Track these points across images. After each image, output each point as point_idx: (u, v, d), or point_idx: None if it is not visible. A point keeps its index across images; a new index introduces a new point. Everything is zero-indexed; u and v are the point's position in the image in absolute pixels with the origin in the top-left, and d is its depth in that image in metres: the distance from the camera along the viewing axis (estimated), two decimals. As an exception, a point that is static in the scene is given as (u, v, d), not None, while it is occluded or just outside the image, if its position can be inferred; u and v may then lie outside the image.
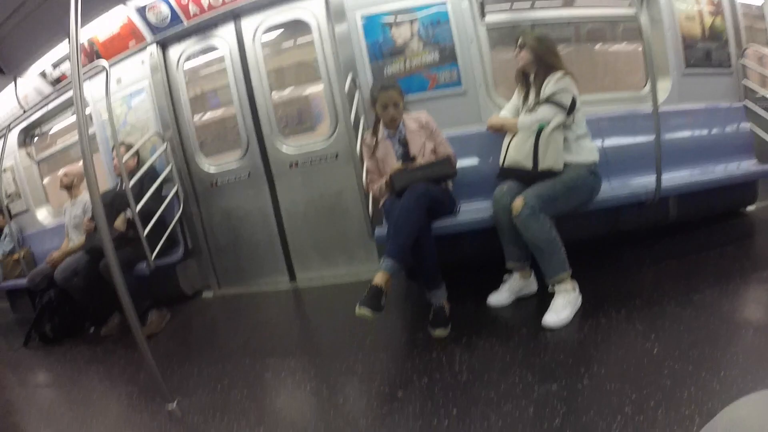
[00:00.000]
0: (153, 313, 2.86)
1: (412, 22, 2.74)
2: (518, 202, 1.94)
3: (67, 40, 1.64)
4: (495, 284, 2.21)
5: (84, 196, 3.43)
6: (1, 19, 3.14)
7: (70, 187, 3.43)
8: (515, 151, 2.12)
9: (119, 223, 2.91)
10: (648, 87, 2.93)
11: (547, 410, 1.33)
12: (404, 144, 2.35)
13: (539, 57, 2.13)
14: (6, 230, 4.15)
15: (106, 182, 3.51)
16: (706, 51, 3.02)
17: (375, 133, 2.42)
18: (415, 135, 2.35)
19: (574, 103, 2.07)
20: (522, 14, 2.95)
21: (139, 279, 2.86)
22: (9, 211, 4.23)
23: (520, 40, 2.18)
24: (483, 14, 2.83)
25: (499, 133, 2.30)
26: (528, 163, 2.06)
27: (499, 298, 2.16)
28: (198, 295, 3.43)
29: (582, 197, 2.11)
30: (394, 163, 2.31)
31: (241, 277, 3.37)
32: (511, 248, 2.11)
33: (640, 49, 3.00)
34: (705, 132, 2.82)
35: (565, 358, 1.59)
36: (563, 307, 1.88)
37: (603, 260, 2.23)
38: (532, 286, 2.19)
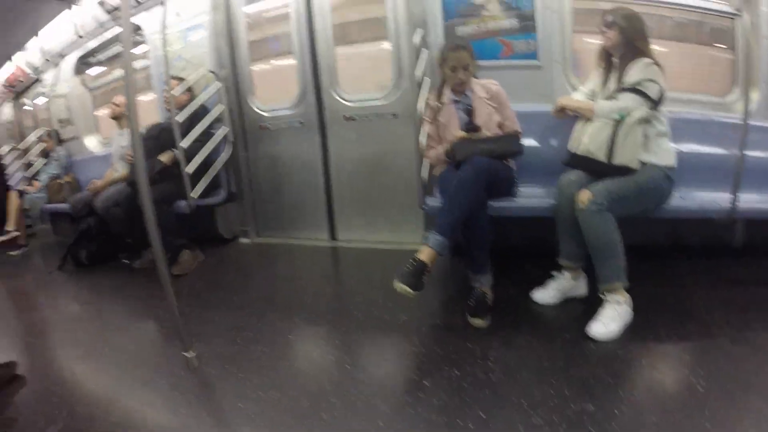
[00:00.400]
0: (186, 252, 2.86)
1: (495, -18, 2.51)
2: (585, 195, 1.77)
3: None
4: (542, 278, 2.06)
5: None
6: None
7: (119, 118, 3.43)
8: (589, 139, 1.93)
9: (166, 157, 2.89)
10: (734, 95, 2.64)
11: (580, 433, 1.21)
12: (469, 111, 2.18)
13: (628, 38, 1.92)
14: (53, 154, 4.26)
15: (157, 117, 3.47)
16: None
17: (440, 96, 2.25)
18: (482, 104, 2.17)
19: (661, 96, 1.86)
20: None
21: (178, 216, 2.86)
22: (59, 136, 4.33)
23: (608, 17, 1.96)
24: (570, -18, 2.56)
25: (566, 118, 2.09)
26: (601, 155, 1.87)
27: (545, 295, 2.02)
28: (235, 239, 3.42)
29: (653, 202, 1.92)
30: (456, 131, 2.14)
31: (281, 226, 3.32)
32: (568, 244, 1.96)
33: (727, 54, 2.66)
34: None
35: (606, 376, 1.45)
36: (612, 319, 1.72)
37: (658, 272, 2.07)
38: (581, 288, 2.03)
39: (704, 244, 2.43)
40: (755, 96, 2.54)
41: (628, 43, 1.92)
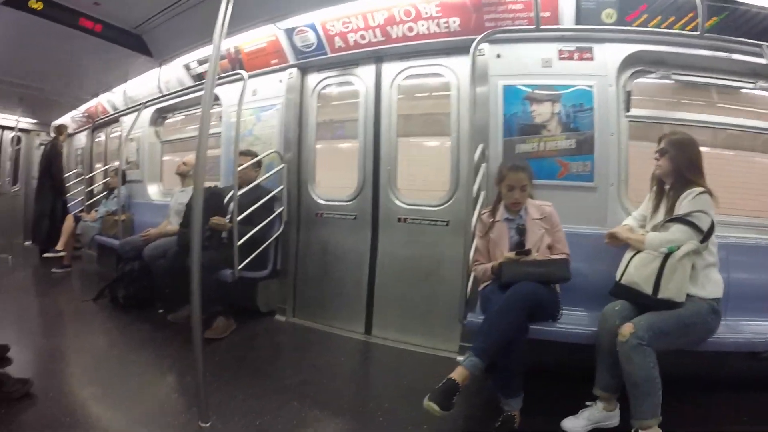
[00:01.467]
0: (221, 318, 2.91)
1: (554, 101, 2.61)
2: (627, 329, 1.74)
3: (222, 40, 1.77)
4: (573, 404, 1.99)
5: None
6: (160, 8, 3.49)
7: (184, 176, 3.65)
8: (636, 270, 1.92)
9: (219, 221, 2.98)
10: None
11: None
12: (521, 232, 2.22)
13: (679, 168, 1.95)
14: (116, 191, 4.55)
15: (219, 181, 3.69)
16: None
17: (494, 211, 2.31)
18: (535, 225, 2.22)
19: (711, 227, 1.86)
20: (668, 112, 2.71)
21: (219, 284, 2.92)
22: (124, 176, 4.64)
23: (661, 144, 2.01)
24: (628, 107, 2.62)
25: (618, 246, 2.09)
26: (647, 288, 1.86)
27: (576, 424, 1.93)
28: (271, 314, 3.44)
29: (697, 337, 1.87)
30: (505, 249, 2.18)
31: (319, 312, 3.33)
32: (605, 375, 1.92)
33: None
34: None
35: None
36: None
37: (695, 406, 1.97)
38: (614, 419, 1.95)
39: (749, 377, 2.27)
40: None
41: (679, 172, 1.95)
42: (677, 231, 1.86)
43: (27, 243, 6.14)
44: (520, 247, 2.17)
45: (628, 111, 2.63)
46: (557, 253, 2.21)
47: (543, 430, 1.92)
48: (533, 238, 2.18)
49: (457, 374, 1.72)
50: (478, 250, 2.30)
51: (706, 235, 1.85)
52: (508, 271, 2.04)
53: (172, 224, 3.63)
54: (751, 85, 2.66)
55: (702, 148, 2.07)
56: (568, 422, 1.95)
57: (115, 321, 3.16)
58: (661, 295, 1.82)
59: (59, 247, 4.67)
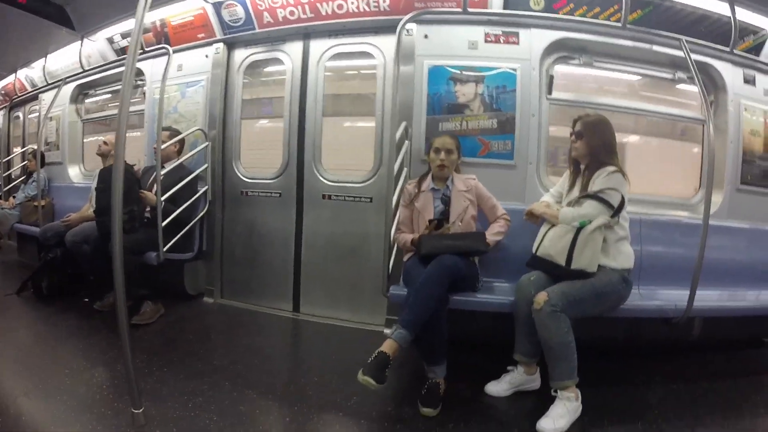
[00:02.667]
0: (148, 303, 2.83)
1: (477, 82, 2.69)
2: (541, 297, 1.86)
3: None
4: (496, 369, 2.11)
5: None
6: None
7: (106, 156, 3.45)
8: (550, 243, 2.03)
9: (146, 194, 2.90)
10: (698, 196, 2.86)
11: None
12: (446, 203, 2.31)
13: (593, 149, 2.06)
14: (34, 175, 4.22)
15: (142, 160, 3.53)
16: (765, 170, 2.92)
17: (420, 182, 2.38)
18: (460, 196, 2.30)
19: (622, 203, 1.98)
20: (588, 96, 2.87)
21: (145, 267, 2.83)
22: (43, 158, 4.32)
23: (576, 126, 2.11)
24: (550, 90, 2.76)
25: (537, 222, 2.20)
26: (561, 259, 1.97)
27: (498, 388, 2.06)
28: (199, 297, 3.38)
29: (609, 304, 2.01)
30: (429, 218, 2.26)
31: (246, 291, 3.30)
32: (523, 341, 2.04)
33: (695, 150, 2.93)
34: (745, 254, 2.69)
35: None
36: (561, 415, 1.79)
37: (611, 369, 2.15)
38: (535, 382, 2.09)
39: (661, 341, 2.51)
40: (719, 198, 2.76)
41: (594, 153, 2.05)
42: (589, 206, 1.97)
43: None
44: (443, 216, 2.26)
45: (550, 94, 2.75)
46: (497, 218, 2.33)
47: (468, 396, 2.01)
48: (457, 208, 2.26)
49: (387, 347, 1.78)
50: (401, 221, 2.37)
51: (616, 211, 1.97)
52: (426, 245, 2.11)
53: (94, 207, 3.43)
54: (669, 76, 2.86)
55: (623, 134, 2.22)
56: (491, 386, 2.07)
57: (40, 313, 2.98)
58: (573, 265, 1.93)
59: (-22, 238, 4.32)
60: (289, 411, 1.87)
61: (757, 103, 2.90)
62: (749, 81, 2.89)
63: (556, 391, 1.85)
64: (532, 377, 2.07)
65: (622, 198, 1.98)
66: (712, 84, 2.84)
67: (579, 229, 1.94)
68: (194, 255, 3.23)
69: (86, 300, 3.09)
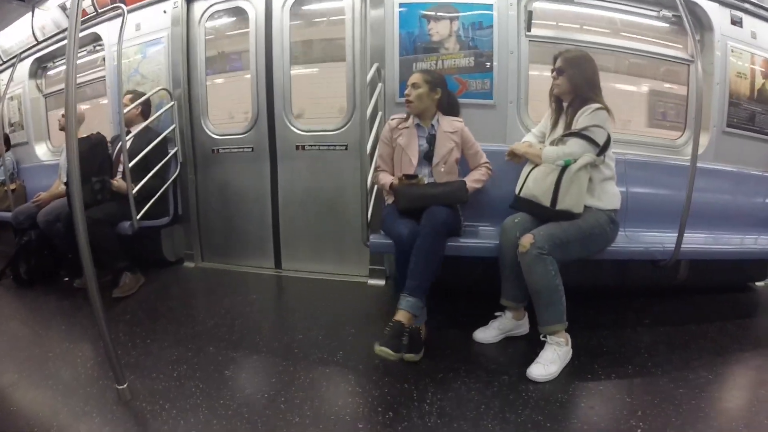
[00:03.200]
0: (127, 275, 2.73)
1: (452, 20, 2.56)
2: (527, 239, 1.79)
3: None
4: (483, 316, 2.07)
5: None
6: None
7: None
8: (534, 184, 1.95)
9: (120, 184, 2.79)
10: (684, 137, 2.80)
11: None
12: (431, 142, 2.21)
13: (576, 86, 1.96)
14: (0, 160, 4.05)
15: (108, 129, 3.37)
16: (751, 113, 2.86)
17: (405, 119, 2.26)
18: (445, 137, 2.21)
19: (608, 141, 1.90)
20: (569, 33, 2.75)
21: (120, 237, 2.74)
22: (8, 140, 4.13)
23: (557, 63, 2.00)
24: (528, 26, 2.63)
25: (519, 162, 2.13)
26: (546, 200, 1.89)
27: (487, 335, 2.02)
28: (179, 263, 3.32)
29: (596, 246, 1.95)
30: (414, 157, 2.17)
31: (226, 252, 3.25)
32: (510, 286, 1.99)
33: (682, 92, 2.84)
34: (730, 197, 2.66)
35: (544, 420, 1.46)
36: (552, 360, 1.75)
37: (600, 313, 2.12)
38: (523, 327, 2.06)
39: (648, 284, 2.50)
40: (705, 140, 2.70)
41: (577, 90, 1.96)
42: (574, 144, 1.89)
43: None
44: (428, 156, 2.18)
45: (528, 31, 2.62)
46: (478, 165, 2.27)
47: (456, 344, 1.98)
48: (442, 150, 2.18)
49: (400, 316, 1.77)
50: (382, 158, 2.29)
51: (602, 149, 1.88)
52: (404, 198, 2.03)
53: (64, 184, 3.30)
54: (654, 14, 2.75)
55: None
56: (479, 333, 2.03)
57: (21, 299, 2.88)
58: (559, 206, 1.86)
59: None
60: (275, 370, 1.83)
61: (743, 45, 2.81)
62: (736, 22, 2.79)
63: (545, 337, 1.80)
64: (520, 322, 2.04)
65: (608, 136, 1.89)
66: (699, 24, 2.72)
67: (563, 169, 1.86)
68: (170, 220, 3.13)
69: (66, 279, 3.01)
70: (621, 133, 2.61)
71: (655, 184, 2.51)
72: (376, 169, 2.28)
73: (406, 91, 2.20)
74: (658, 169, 2.57)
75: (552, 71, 2.03)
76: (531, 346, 1.89)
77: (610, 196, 1.96)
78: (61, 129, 3.30)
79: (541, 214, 1.92)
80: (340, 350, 1.95)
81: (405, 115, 2.27)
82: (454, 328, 2.06)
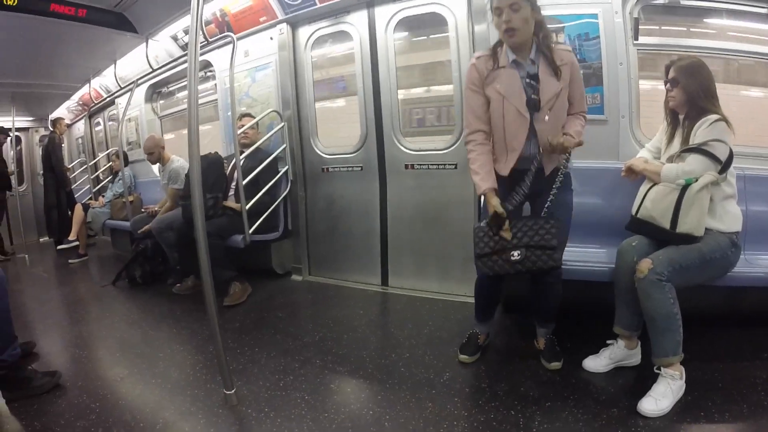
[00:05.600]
0: (236, 284, 2.92)
1: (557, 32, 2.47)
2: (645, 264, 1.67)
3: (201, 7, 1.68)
4: (594, 343, 1.97)
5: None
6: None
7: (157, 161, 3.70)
8: (652, 204, 1.83)
9: (234, 206, 3.02)
10: None
11: None
12: (534, 85, 1.69)
13: (692, 97, 1.81)
14: (120, 174, 4.54)
15: (220, 150, 3.62)
16: None
17: (494, 55, 1.74)
18: (549, 77, 1.69)
19: (730, 157, 1.75)
20: (678, 40, 2.56)
21: (230, 249, 2.93)
22: (126, 157, 4.62)
23: (670, 73, 1.86)
24: (636, 35, 2.48)
25: (636, 179, 2.00)
26: (665, 222, 1.77)
27: (597, 364, 1.91)
28: (287, 275, 3.47)
29: (717, 272, 1.79)
30: (522, 106, 1.68)
31: (334, 267, 3.34)
32: (625, 312, 1.87)
33: None
34: None
35: None
36: (664, 395, 1.62)
37: (714, 343, 1.92)
38: (635, 357, 1.91)
39: (765, 312, 2.20)
40: None
41: (693, 101, 1.82)
42: (694, 161, 1.75)
43: (42, 239, 6.22)
44: (532, 104, 1.68)
45: (636, 39, 2.48)
46: (575, 113, 1.80)
47: (565, 371, 1.90)
48: (548, 91, 1.68)
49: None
50: (474, 113, 1.77)
51: (724, 165, 1.75)
52: (488, 265, 1.76)
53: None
54: (764, 11, 2.46)
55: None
56: (589, 362, 1.92)
57: (134, 301, 3.19)
58: (679, 229, 1.74)
59: (72, 237, 4.72)
60: (381, 387, 1.85)
61: None
62: None
63: (659, 368, 1.67)
64: (632, 352, 1.90)
65: (730, 150, 1.74)
66: None
67: (684, 188, 1.72)
68: (280, 235, 3.29)
69: (170, 285, 3.26)
70: (738, 145, 2.36)
71: None
72: (468, 137, 1.81)
73: (504, 17, 1.62)
74: None
75: (665, 83, 1.90)
76: (642, 377, 1.77)
77: (732, 217, 1.80)
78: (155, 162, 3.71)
79: (659, 236, 1.80)
80: (447, 371, 1.93)
81: (489, 51, 1.76)
82: (564, 354, 1.97)
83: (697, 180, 1.72)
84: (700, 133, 1.77)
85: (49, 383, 1.91)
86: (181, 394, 1.84)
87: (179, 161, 3.66)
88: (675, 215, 1.75)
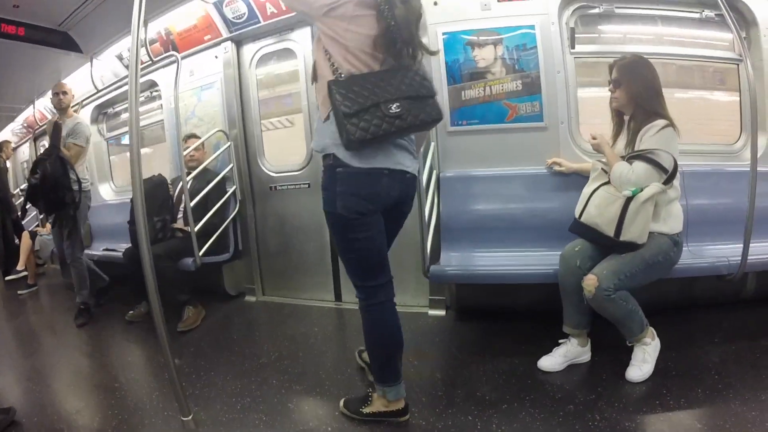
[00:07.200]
0: (189, 309, 2.84)
1: (496, 44, 2.56)
2: (591, 283, 1.73)
3: (142, 27, 1.64)
4: (546, 343, 2.02)
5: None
6: (81, 0, 3.24)
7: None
8: (597, 210, 1.86)
9: (180, 225, 3.00)
10: (741, 141, 2.63)
11: None
12: None
13: (637, 96, 1.85)
14: (68, 198, 4.34)
15: (167, 171, 3.57)
16: None
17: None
18: None
19: (675, 167, 1.79)
20: (614, 47, 2.67)
21: (182, 272, 2.86)
22: (72, 183, 4.41)
23: (613, 73, 1.90)
24: (573, 44, 2.59)
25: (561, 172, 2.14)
26: (609, 230, 1.81)
27: (553, 363, 1.95)
28: (240, 296, 3.42)
29: (662, 272, 1.88)
30: None
31: (287, 285, 3.30)
32: (572, 313, 1.93)
33: (734, 98, 2.68)
34: None
35: None
36: (644, 360, 1.80)
37: (667, 331, 1.98)
38: (587, 354, 1.98)
39: (715, 297, 2.37)
40: (764, 141, 2.53)
41: (638, 101, 1.85)
42: (640, 170, 1.78)
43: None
44: None
45: (573, 48, 2.58)
46: None
47: (518, 372, 1.93)
48: None
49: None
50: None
51: (669, 176, 1.78)
52: None
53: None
54: (696, 15, 2.62)
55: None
56: (544, 361, 1.96)
57: (87, 330, 3.04)
58: (623, 237, 1.79)
59: (20, 267, 4.47)
60: (338, 403, 1.82)
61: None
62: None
63: (632, 345, 1.82)
64: (584, 349, 1.96)
65: (675, 162, 1.78)
66: (743, 20, 2.57)
67: (629, 198, 1.77)
68: (231, 255, 3.24)
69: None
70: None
71: (716, 194, 2.39)
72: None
73: None
74: (718, 178, 2.45)
75: (609, 83, 1.94)
76: (595, 371, 1.86)
77: (674, 219, 1.87)
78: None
79: (602, 242, 1.85)
80: (404, 382, 1.90)
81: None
82: (517, 355, 2.02)
83: (643, 190, 1.76)
84: (647, 139, 1.81)
85: (4, 420, 1.82)
86: (139, 424, 1.79)
87: (86, 121, 3.43)
88: (619, 224, 1.78)
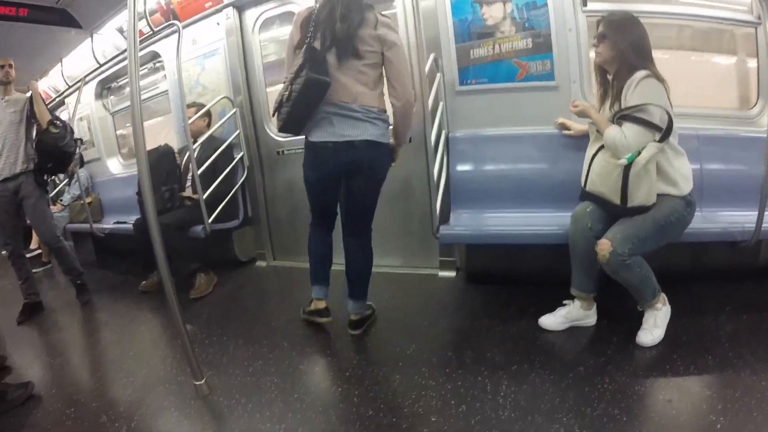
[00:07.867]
0: (201, 276, 2.87)
1: (505, 2, 2.47)
2: (605, 248, 1.68)
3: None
4: (554, 306, 2.00)
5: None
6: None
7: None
8: (599, 179, 1.79)
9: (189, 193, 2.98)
10: (758, 107, 2.51)
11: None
12: None
13: (621, 52, 1.73)
14: (76, 176, 4.37)
15: (174, 142, 3.55)
16: None
17: None
18: None
19: (670, 121, 1.67)
20: (628, 5, 2.56)
21: (192, 241, 2.88)
22: (82, 158, 4.43)
23: (599, 28, 1.79)
24: (585, 1, 2.49)
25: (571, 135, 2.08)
26: (615, 198, 1.74)
27: (553, 321, 1.95)
28: (251, 262, 3.44)
29: (675, 234, 1.81)
30: None
31: (297, 250, 3.26)
32: (580, 275, 1.90)
33: (751, 64, 2.56)
34: None
35: (621, 414, 1.38)
36: (655, 325, 1.77)
37: (678, 299, 1.95)
38: (591, 318, 1.95)
39: (726, 266, 2.29)
40: None
41: (622, 57, 1.73)
42: (631, 134, 1.66)
43: (3, 252, 5.97)
44: None
45: (585, 5, 2.48)
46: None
47: (527, 336, 1.92)
48: None
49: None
50: None
51: (665, 133, 1.68)
52: None
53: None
54: None
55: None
56: (545, 319, 1.96)
57: (101, 303, 3.10)
58: (630, 203, 1.72)
59: (33, 245, 4.54)
60: (348, 364, 1.87)
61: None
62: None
63: (643, 310, 1.80)
64: (588, 312, 1.93)
65: (668, 114, 1.67)
66: None
67: (628, 165, 1.68)
68: (240, 222, 3.25)
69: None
70: (691, 107, 2.41)
71: (732, 160, 2.30)
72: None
73: None
74: (734, 143, 2.35)
75: (593, 38, 1.84)
76: (603, 336, 1.85)
77: (682, 178, 1.77)
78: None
79: (612, 210, 1.80)
80: (413, 343, 1.94)
81: None
82: (526, 318, 2.01)
83: (639, 154, 1.66)
84: (631, 96, 1.70)
85: (23, 395, 1.87)
86: (153, 391, 1.83)
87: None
88: (624, 191, 1.72)
